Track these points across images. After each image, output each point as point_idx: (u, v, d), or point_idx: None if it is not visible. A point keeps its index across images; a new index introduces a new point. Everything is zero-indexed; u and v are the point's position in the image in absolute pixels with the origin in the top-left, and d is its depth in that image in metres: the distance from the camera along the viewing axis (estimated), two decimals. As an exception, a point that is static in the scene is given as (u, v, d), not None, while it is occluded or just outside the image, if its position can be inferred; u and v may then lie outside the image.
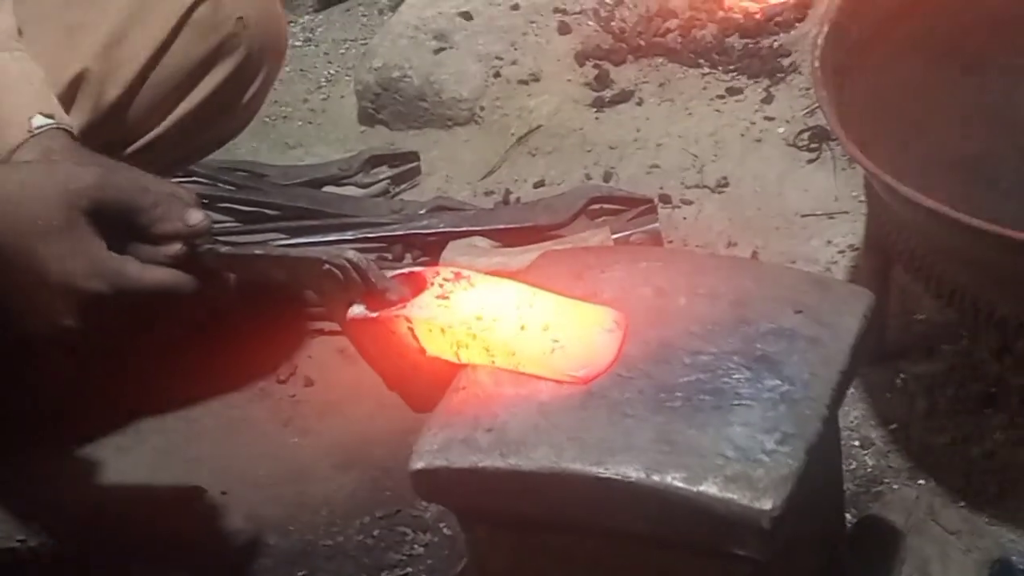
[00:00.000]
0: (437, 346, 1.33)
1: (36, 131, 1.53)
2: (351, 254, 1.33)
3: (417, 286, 1.34)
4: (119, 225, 1.36)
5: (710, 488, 1.21)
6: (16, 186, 1.36)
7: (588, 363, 1.30)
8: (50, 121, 1.54)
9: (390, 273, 1.35)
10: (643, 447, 1.24)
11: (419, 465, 1.29)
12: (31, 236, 1.33)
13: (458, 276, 1.34)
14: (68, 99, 1.75)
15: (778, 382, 1.28)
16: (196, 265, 1.38)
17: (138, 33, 1.79)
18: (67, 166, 1.45)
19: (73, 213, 1.34)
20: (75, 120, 1.75)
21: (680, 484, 1.22)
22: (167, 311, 1.40)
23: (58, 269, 1.33)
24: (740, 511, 1.20)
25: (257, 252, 1.41)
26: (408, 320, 1.32)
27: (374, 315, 1.33)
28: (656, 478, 1.22)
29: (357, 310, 1.33)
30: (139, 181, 1.39)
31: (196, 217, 1.38)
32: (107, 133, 1.79)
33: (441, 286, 1.34)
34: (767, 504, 1.20)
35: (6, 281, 1.36)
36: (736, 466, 1.22)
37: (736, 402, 1.26)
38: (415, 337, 1.33)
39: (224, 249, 1.39)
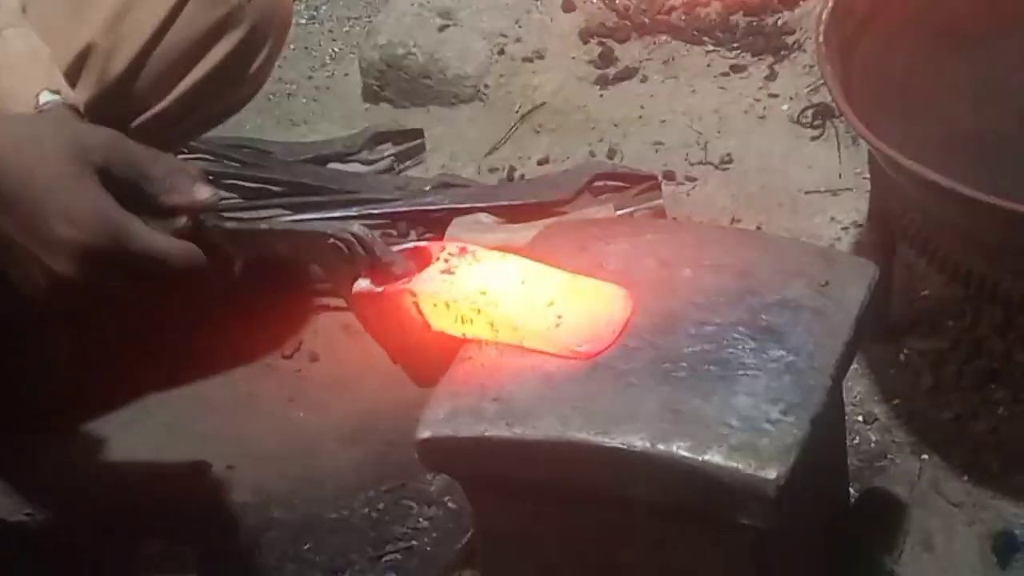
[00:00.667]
0: (442, 321, 1.33)
1: (43, 107, 1.53)
2: (356, 228, 1.33)
3: (422, 261, 1.34)
4: (126, 190, 1.35)
5: (715, 457, 1.22)
6: (29, 132, 1.36)
7: (591, 339, 1.31)
8: (57, 97, 1.54)
9: (395, 248, 1.35)
10: (648, 417, 1.25)
11: (425, 434, 1.30)
12: (39, 181, 1.32)
13: (463, 251, 1.35)
14: (75, 73, 1.75)
15: (783, 352, 1.28)
16: (202, 241, 1.37)
17: (143, 6, 1.79)
18: (81, 124, 1.45)
19: (84, 165, 1.33)
20: (81, 94, 1.75)
21: (685, 453, 1.22)
22: (176, 287, 1.39)
23: (62, 212, 1.32)
24: (745, 480, 1.21)
25: (262, 227, 1.41)
26: (413, 294, 1.32)
27: (379, 290, 1.33)
28: (661, 447, 1.23)
29: (362, 284, 1.34)
30: (150, 150, 1.39)
31: (205, 192, 1.38)
32: (112, 106, 1.79)
33: (446, 261, 1.34)
34: (771, 473, 1.20)
35: (8, 226, 1.35)
36: (741, 435, 1.22)
37: (741, 372, 1.27)
38: (420, 312, 1.33)
39: (229, 225, 1.39)
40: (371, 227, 2.09)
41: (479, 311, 1.31)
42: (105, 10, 1.78)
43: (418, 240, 2.12)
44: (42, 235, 1.34)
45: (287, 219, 2.15)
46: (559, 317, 1.30)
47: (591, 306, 1.32)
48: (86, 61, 1.77)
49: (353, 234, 1.32)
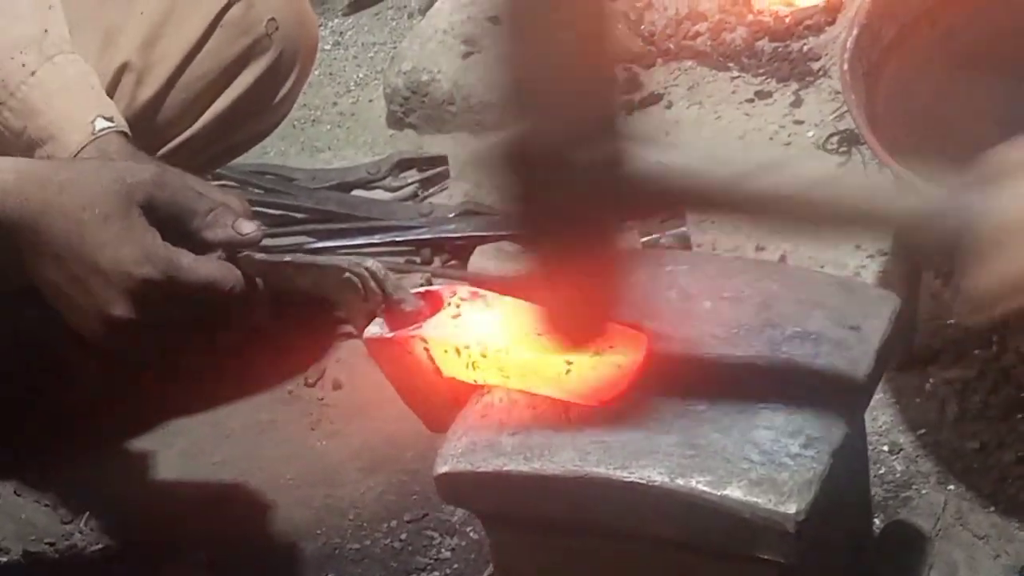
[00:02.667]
0: (453, 366, 1.33)
1: (99, 134, 1.56)
2: (370, 263, 1.34)
3: (433, 306, 1.34)
4: (170, 226, 1.37)
5: (735, 492, 1.20)
6: (73, 174, 1.38)
7: (601, 386, 1.29)
8: (111, 124, 1.56)
9: (411, 289, 1.36)
10: (667, 451, 1.24)
11: (443, 469, 1.29)
12: (85, 222, 1.34)
13: (474, 295, 1.35)
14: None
15: (803, 386, 1.27)
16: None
17: (172, 34, 1.81)
18: (125, 163, 1.47)
19: (128, 204, 1.35)
20: None
21: (705, 488, 1.21)
22: (212, 317, 1.40)
23: (111, 254, 1.34)
24: (765, 515, 1.20)
25: (286, 259, 1.41)
26: (424, 340, 1.32)
27: (390, 335, 1.33)
28: (681, 482, 1.22)
29: (374, 329, 1.34)
30: (195, 186, 1.40)
31: (249, 227, 1.39)
32: (140, 135, 1.80)
33: (457, 306, 1.34)
34: (792, 508, 1.19)
35: (59, 278, 1.37)
36: (761, 470, 1.21)
37: (761, 406, 1.26)
38: (431, 357, 1.33)
39: (259, 256, 1.40)
40: (394, 254, 2.14)
41: (490, 357, 1.30)
42: (136, 36, 1.79)
43: (442, 267, 2.13)
44: (93, 280, 1.35)
45: (310, 247, 2.16)
46: (569, 364, 1.29)
47: (603, 352, 1.30)
48: (119, 84, 1.78)
49: (367, 268, 1.32)
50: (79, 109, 1.58)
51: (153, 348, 1.42)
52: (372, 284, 1.32)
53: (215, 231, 1.39)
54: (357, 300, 1.33)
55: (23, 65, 1.58)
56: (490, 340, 1.30)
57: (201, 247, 1.38)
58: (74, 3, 1.75)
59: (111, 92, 1.77)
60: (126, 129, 1.59)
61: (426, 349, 1.32)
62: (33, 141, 1.58)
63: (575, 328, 1.27)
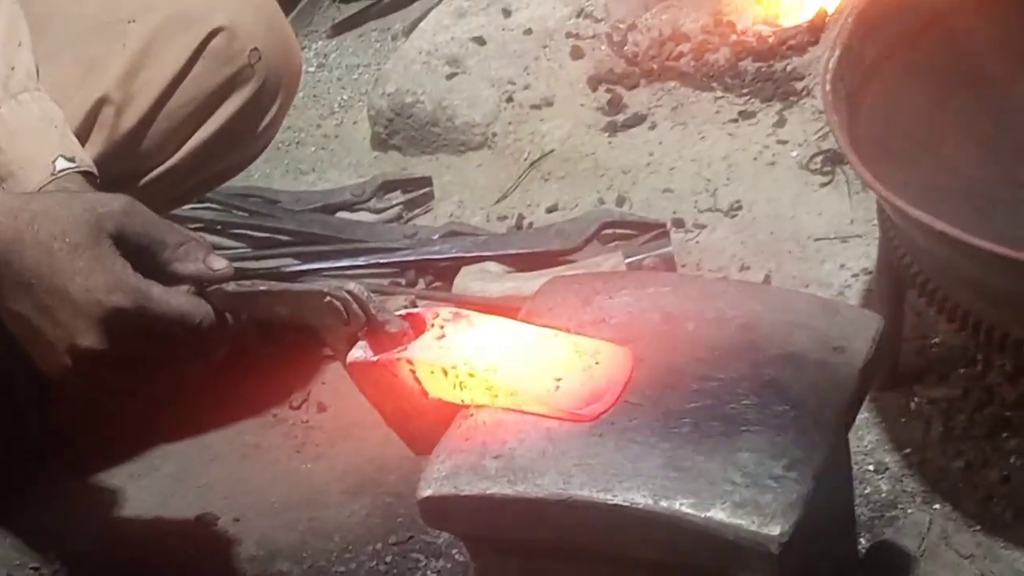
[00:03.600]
0: (439, 388, 1.33)
1: (59, 174, 1.55)
2: (352, 286, 1.33)
3: (417, 327, 1.34)
4: (139, 257, 1.36)
5: (718, 514, 1.21)
6: (43, 205, 1.37)
7: (592, 401, 1.30)
8: (72, 165, 1.56)
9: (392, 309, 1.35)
10: (651, 473, 1.24)
11: (427, 492, 1.29)
12: (56, 251, 1.34)
13: (457, 316, 1.35)
14: (86, 129, 1.77)
15: (786, 407, 1.28)
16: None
17: (154, 65, 1.81)
18: (95, 194, 1.47)
19: (98, 233, 1.34)
20: (91, 150, 1.76)
21: (688, 510, 1.21)
22: (178, 352, 1.39)
23: (81, 282, 1.33)
24: (749, 537, 1.20)
25: (261, 288, 1.40)
26: (410, 362, 1.32)
27: (375, 358, 1.33)
28: (664, 504, 1.22)
29: (358, 353, 1.34)
30: (162, 219, 1.40)
31: (220, 263, 1.39)
32: (122, 162, 1.80)
33: (441, 327, 1.34)
34: (775, 530, 1.19)
35: (27, 307, 1.36)
36: (744, 492, 1.21)
37: (744, 428, 1.26)
38: (417, 379, 1.33)
39: (230, 288, 1.38)
40: (379, 276, 2.14)
41: (476, 377, 1.30)
42: (117, 68, 1.79)
43: (427, 288, 2.13)
44: (63, 310, 1.34)
45: (294, 269, 2.16)
46: (558, 380, 1.29)
47: (591, 367, 1.30)
48: (97, 116, 1.78)
49: (349, 291, 1.31)
50: (40, 148, 1.57)
51: (116, 385, 1.41)
52: (355, 307, 1.31)
53: (186, 264, 1.38)
54: (338, 324, 1.33)
55: None
56: (477, 360, 1.30)
57: (170, 280, 1.37)
58: (57, 34, 1.75)
59: (91, 122, 1.77)
60: (90, 169, 1.58)
61: (412, 371, 1.31)
62: None
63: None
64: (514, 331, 1.33)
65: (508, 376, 1.30)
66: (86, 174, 1.59)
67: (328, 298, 1.32)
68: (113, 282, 1.33)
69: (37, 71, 1.64)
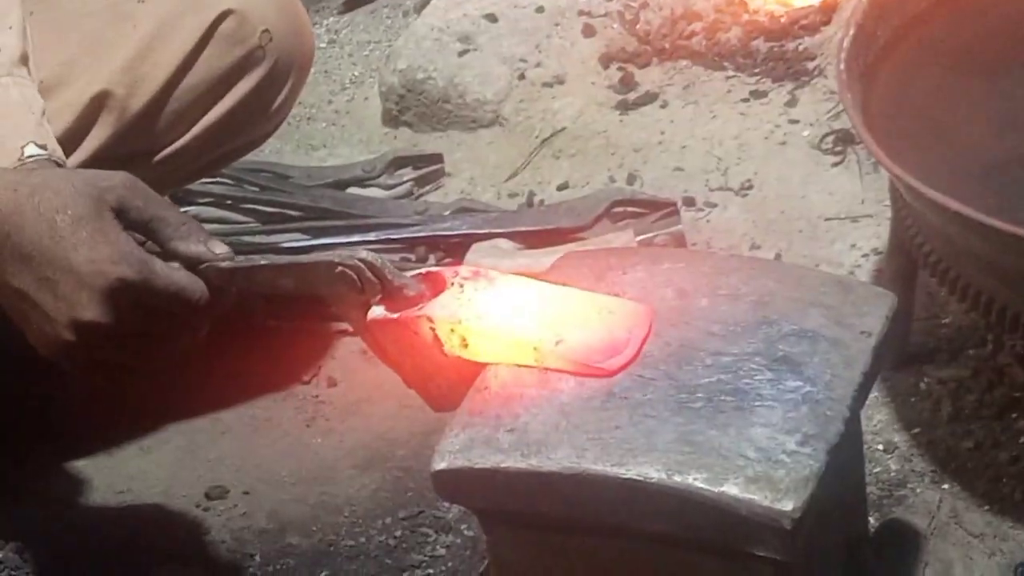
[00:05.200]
0: (458, 346, 1.33)
1: (26, 159, 1.50)
2: (364, 253, 1.31)
3: (437, 286, 1.33)
4: (139, 231, 1.36)
5: (731, 489, 1.21)
6: (42, 180, 1.36)
7: (612, 355, 1.30)
8: (42, 152, 1.51)
9: (410, 273, 1.35)
10: (664, 448, 1.24)
11: (441, 465, 1.29)
12: (58, 223, 1.32)
13: (476, 274, 1.34)
14: (88, 115, 1.76)
15: (799, 383, 1.27)
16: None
17: (163, 47, 1.80)
18: (94, 170, 1.45)
19: (101, 206, 1.33)
20: (100, 133, 1.76)
21: (701, 485, 1.21)
22: (174, 329, 1.38)
23: (85, 253, 1.32)
24: (761, 512, 1.20)
25: (262, 262, 1.38)
26: (430, 320, 1.31)
27: (395, 316, 1.32)
28: (677, 479, 1.22)
29: (377, 311, 1.33)
30: (164, 198, 1.39)
31: (221, 248, 1.37)
32: (133, 142, 1.80)
33: (461, 285, 1.33)
34: (788, 505, 1.19)
35: (25, 280, 1.35)
36: (757, 467, 1.21)
37: (757, 403, 1.26)
38: (436, 337, 1.32)
39: (225, 265, 1.37)
40: (389, 251, 2.14)
41: (497, 334, 1.30)
42: (124, 53, 1.79)
43: (437, 265, 2.13)
44: (65, 282, 1.33)
45: (305, 244, 2.16)
46: (579, 335, 1.29)
47: (610, 323, 1.31)
48: (107, 98, 1.77)
49: (362, 260, 1.30)
50: (12, 134, 1.54)
51: (114, 362, 1.40)
52: (368, 275, 1.30)
53: (188, 244, 1.37)
54: (352, 293, 1.31)
55: None
56: (496, 317, 1.30)
57: (166, 258, 1.36)
58: (66, 14, 1.74)
59: (100, 103, 1.76)
60: (60, 161, 1.55)
61: (432, 328, 1.31)
62: None
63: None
64: (534, 289, 1.32)
65: (528, 332, 1.30)
66: (57, 164, 1.57)
67: (340, 268, 1.31)
68: (118, 253, 1.32)
69: (27, 56, 1.60)
